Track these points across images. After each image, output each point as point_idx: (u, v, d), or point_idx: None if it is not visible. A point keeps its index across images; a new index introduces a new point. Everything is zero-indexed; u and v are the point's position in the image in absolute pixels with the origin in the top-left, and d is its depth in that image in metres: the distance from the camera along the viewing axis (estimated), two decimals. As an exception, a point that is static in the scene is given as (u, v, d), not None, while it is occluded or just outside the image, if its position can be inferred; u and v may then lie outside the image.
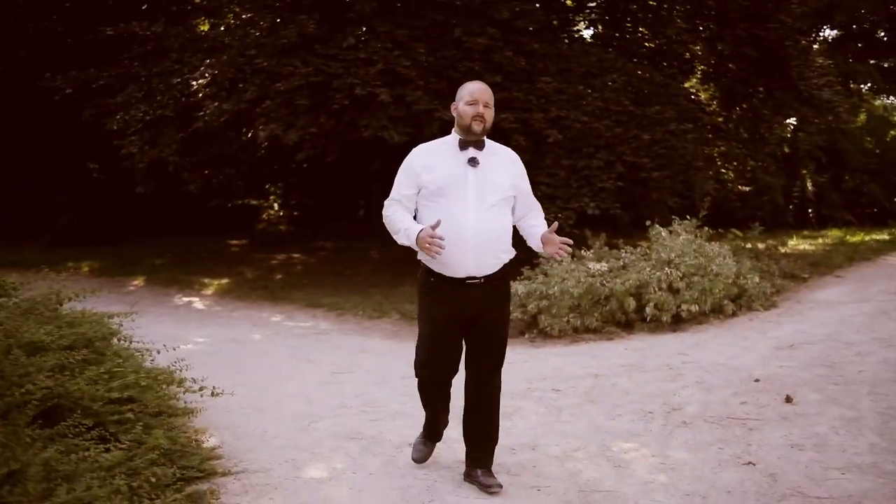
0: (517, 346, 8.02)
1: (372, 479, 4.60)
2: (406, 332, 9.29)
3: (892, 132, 24.87)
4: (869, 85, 25.02)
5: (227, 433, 5.41)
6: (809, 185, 22.57)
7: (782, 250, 14.54)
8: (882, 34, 25.92)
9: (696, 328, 8.69)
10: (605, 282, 8.79)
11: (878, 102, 27.09)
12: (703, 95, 17.84)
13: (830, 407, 5.67)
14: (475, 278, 4.21)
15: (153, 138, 12.22)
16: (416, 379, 4.54)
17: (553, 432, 5.41)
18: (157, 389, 4.87)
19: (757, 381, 6.40)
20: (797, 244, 16.35)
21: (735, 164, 18.08)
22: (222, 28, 13.99)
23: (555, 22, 14.52)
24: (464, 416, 4.50)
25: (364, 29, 11.76)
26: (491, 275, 4.24)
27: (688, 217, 10.16)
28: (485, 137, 4.29)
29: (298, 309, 11.20)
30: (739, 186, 18.58)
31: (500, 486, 4.33)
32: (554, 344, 8.40)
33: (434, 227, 4.01)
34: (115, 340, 5.28)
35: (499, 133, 11.12)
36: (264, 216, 26.83)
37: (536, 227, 4.37)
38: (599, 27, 16.22)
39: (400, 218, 4.25)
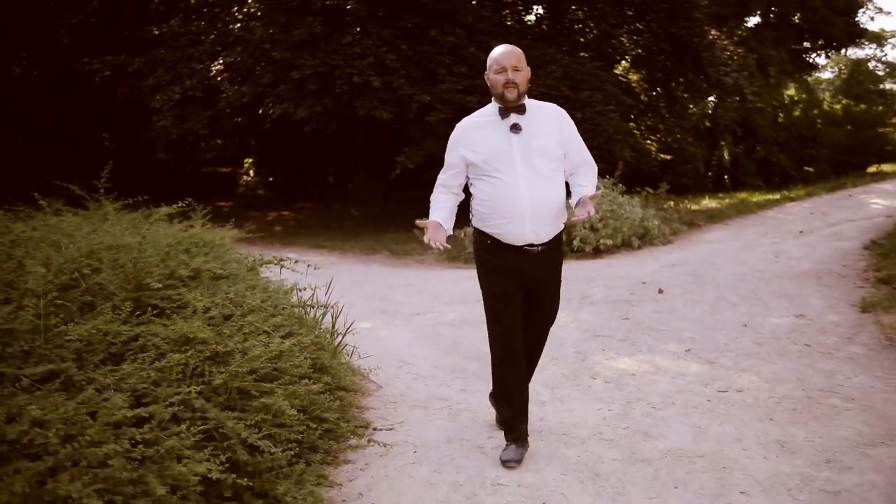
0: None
1: (402, 328, 7.71)
2: (397, 263, 12.40)
3: (796, 110, 28.44)
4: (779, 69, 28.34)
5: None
6: (726, 154, 25.88)
7: (694, 207, 17.95)
8: (796, 19, 29.22)
9: (611, 256, 11.96)
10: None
11: (792, 85, 30.64)
12: (634, 77, 21.09)
13: (685, 295, 8.91)
14: (533, 245, 4.12)
15: (184, 114, 15.09)
16: (492, 365, 4.40)
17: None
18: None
19: (644, 283, 9.61)
20: (709, 203, 19.69)
21: (658, 136, 21.34)
22: (237, 25, 16.76)
23: (508, 22, 17.69)
24: None
25: (358, 29, 14.84)
26: (548, 242, 4.16)
27: (608, 176, 13.36)
28: (525, 99, 4.13)
29: (306, 249, 14.11)
30: (662, 156, 21.73)
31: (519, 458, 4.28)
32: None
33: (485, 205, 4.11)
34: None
35: (463, 114, 14.18)
36: (242, 182, 29.63)
37: (582, 187, 4.24)
38: (544, 26, 19.19)
39: (434, 206, 4.30)
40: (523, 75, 4.07)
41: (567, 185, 4.27)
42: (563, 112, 4.27)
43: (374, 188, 20.59)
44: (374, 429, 4.58)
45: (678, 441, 4.54)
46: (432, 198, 4.34)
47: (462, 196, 4.37)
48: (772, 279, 9.62)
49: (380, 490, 3.89)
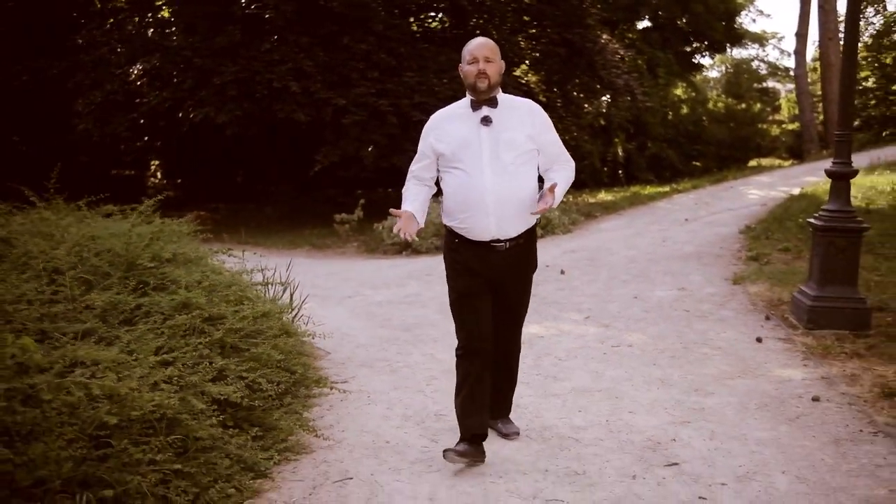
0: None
1: (336, 308, 8.63)
2: (319, 256, 13.28)
3: (684, 109, 30.31)
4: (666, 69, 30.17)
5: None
6: (620, 151, 27.54)
7: (591, 200, 19.34)
8: (681, 23, 31.11)
9: (517, 245, 13.06)
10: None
11: (680, 85, 32.57)
12: (532, 79, 22.36)
13: (583, 275, 10.06)
14: (500, 241, 4.07)
15: (106, 117, 15.64)
16: (456, 357, 4.29)
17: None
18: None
19: (547, 266, 10.73)
20: (605, 196, 21.09)
21: (557, 134, 22.62)
22: (150, 31, 17.35)
23: (414, 27, 18.74)
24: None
25: (277, 37, 15.66)
26: (515, 237, 4.10)
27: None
28: (499, 93, 4.11)
29: (229, 245, 14.78)
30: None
31: (518, 433, 4.55)
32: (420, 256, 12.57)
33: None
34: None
35: (376, 116, 15.28)
36: (150, 184, 29.87)
37: (551, 181, 4.12)
38: (449, 33, 20.22)
39: (406, 197, 4.26)
40: (495, 67, 4.04)
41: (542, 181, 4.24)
42: (537, 107, 4.23)
43: (287, 188, 21.34)
44: (332, 382, 5.51)
45: (580, 382, 5.63)
46: (405, 189, 4.31)
47: (434, 189, 4.35)
48: (659, 260, 10.89)
49: (346, 422, 4.85)
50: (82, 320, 4.24)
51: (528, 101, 4.26)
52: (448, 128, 4.14)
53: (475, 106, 4.08)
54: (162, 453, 3.34)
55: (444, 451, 4.12)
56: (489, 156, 4.01)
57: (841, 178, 7.00)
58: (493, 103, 4.07)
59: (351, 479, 3.99)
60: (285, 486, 3.88)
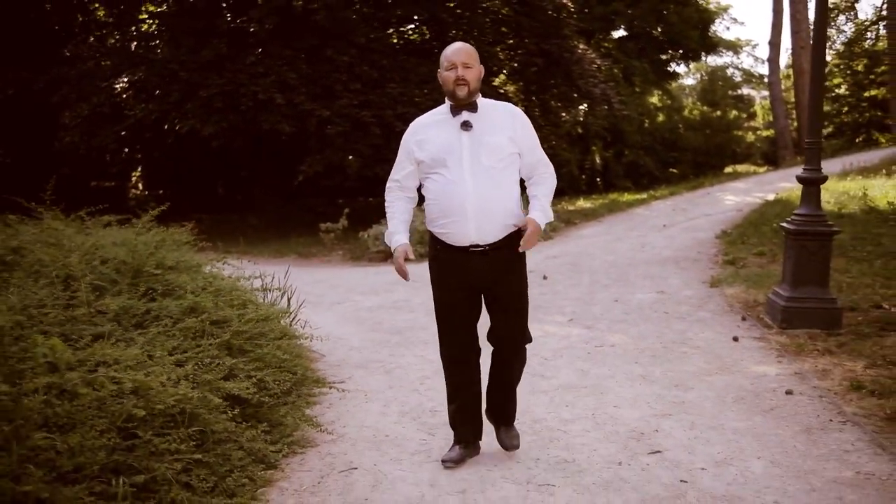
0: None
1: (327, 314, 8.88)
2: (306, 264, 13.51)
3: (660, 116, 30.81)
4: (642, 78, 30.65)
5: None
6: (597, 159, 27.94)
7: (570, 207, 19.70)
8: (656, 32, 31.60)
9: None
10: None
11: (656, 93, 33.08)
12: (511, 88, 22.70)
13: (565, 280, 10.37)
14: (479, 247, 4.00)
15: (92, 130, 15.83)
16: (442, 363, 4.40)
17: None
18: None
19: (531, 271, 11.00)
20: (583, 203, 21.45)
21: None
22: (134, 44, 17.57)
23: (394, 39, 19.06)
24: (486, 390, 4.46)
25: (261, 50, 15.92)
26: (496, 242, 4.01)
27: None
28: (479, 98, 4.06)
29: (218, 254, 15.02)
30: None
31: (518, 445, 4.43)
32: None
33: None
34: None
35: (359, 127, 15.57)
36: (131, 196, 29.99)
37: (535, 198, 4.15)
38: (429, 44, 20.55)
39: (392, 214, 4.26)
40: (474, 73, 3.98)
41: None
42: (518, 110, 4.17)
43: (271, 198, 21.56)
44: (331, 382, 5.76)
45: (566, 379, 5.92)
46: (388, 203, 4.29)
47: (416, 198, 4.31)
48: (638, 265, 11.22)
49: (346, 419, 5.11)
50: (98, 324, 4.49)
51: (509, 105, 4.20)
52: (428, 134, 4.09)
53: (455, 111, 4.03)
54: (184, 444, 3.59)
55: (443, 461, 4.29)
56: (470, 161, 3.95)
57: (811, 184, 7.34)
58: (473, 108, 4.02)
59: (356, 468, 4.25)
60: (295, 476, 4.14)
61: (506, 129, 4.02)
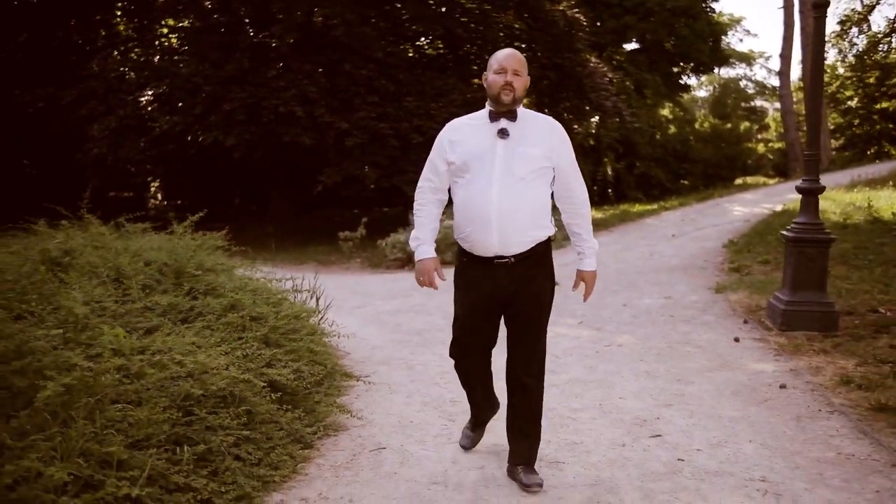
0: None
1: (349, 317, 9.33)
2: (326, 271, 13.96)
3: (671, 128, 31.21)
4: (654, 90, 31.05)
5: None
6: (609, 170, 28.33)
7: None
8: (667, 45, 32.00)
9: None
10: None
11: (667, 105, 33.49)
12: (525, 101, 23.14)
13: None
14: (503, 258, 3.93)
15: (119, 142, 16.39)
16: (452, 360, 4.40)
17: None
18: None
19: (542, 279, 11.45)
20: (595, 214, 21.82)
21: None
22: (157, 58, 18.14)
23: (410, 53, 19.61)
24: (507, 409, 4.26)
25: (282, 64, 16.47)
26: (522, 253, 3.95)
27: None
28: (519, 107, 3.96)
29: (241, 262, 15.54)
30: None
31: (541, 485, 4.05)
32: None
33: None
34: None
35: (377, 138, 16.08)
36: (151, 206, 30.57)
37: (578, 237, 4.27)
38: (447, 59, 21.05)
39: (421, 220, 4.18)
40: (522, 81, 3.89)
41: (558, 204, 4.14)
42: (558, 125, 4.06)
43: (288, 208, 22.08)
44: (357, 376, 6.20)
45: (576, 374, 6.36)
46: (418, 207, 4.20)
47: (446, 200, 4.24)
48: (647, 272, 11.65)
49: (373, 407, 5.56)
50: (149, 318, 4.96)
51: (550, 119, 4.08)
52: (463, 136, 3.99)
53: (493, 117, 3.93)
54: (234, 421, 4.05)
55: (461, 443, 4.69)
56: (501, 169, 3.86)
57: (810, 194, 7.77)
58: (512, 116, 3.91)
59: (384, 448, 4.70)
60: (330, 455, 4.59)
61: (543, 142, 3.93)
